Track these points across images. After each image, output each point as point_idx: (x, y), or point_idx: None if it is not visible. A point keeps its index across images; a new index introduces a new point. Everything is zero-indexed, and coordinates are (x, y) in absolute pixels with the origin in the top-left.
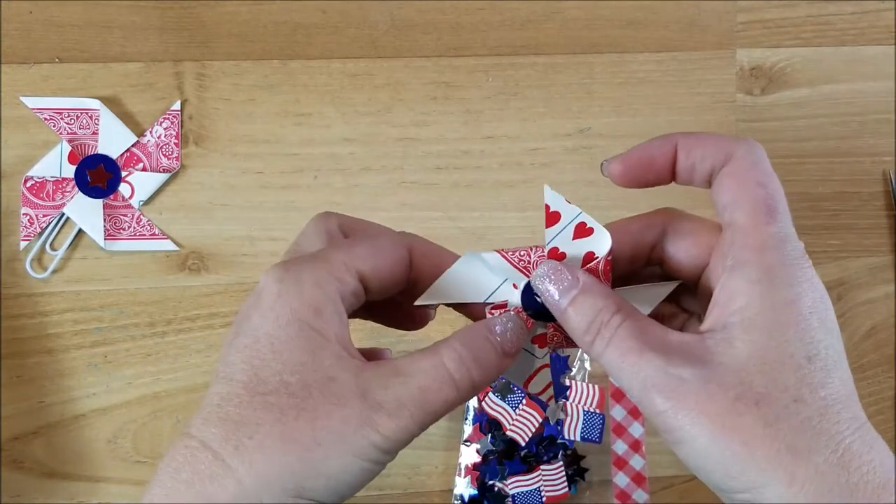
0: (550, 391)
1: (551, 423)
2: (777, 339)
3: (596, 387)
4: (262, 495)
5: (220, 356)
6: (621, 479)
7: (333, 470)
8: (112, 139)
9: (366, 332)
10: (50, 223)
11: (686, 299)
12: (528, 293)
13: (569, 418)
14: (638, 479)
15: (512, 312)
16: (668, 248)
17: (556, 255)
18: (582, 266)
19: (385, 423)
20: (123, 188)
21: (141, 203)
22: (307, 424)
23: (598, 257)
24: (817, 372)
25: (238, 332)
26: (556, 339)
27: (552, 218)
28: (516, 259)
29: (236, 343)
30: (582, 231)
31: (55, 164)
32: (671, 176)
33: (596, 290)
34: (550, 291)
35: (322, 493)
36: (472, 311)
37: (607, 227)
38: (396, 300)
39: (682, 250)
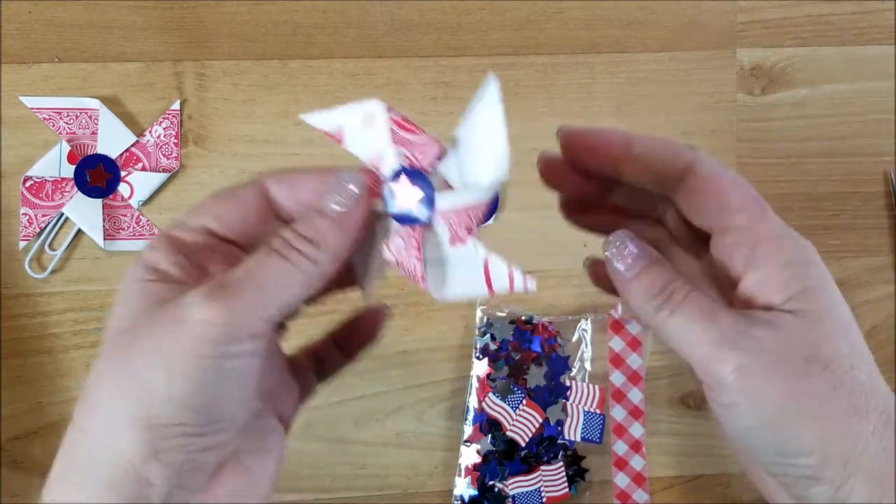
0: (505, 284)
1: (551, 424)
2: (827, 312)
3: (596, 387)
4: (113, 441)
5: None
6: (622, 480)
7: (169, 382)
8: (111, 139)
9: None
10: (49, 223)
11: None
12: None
13: (569, 418)
14: (638, 479)
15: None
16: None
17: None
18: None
19: (200, 312)
20: (123, 188)
21: (140, 203)
22: (134, 355)
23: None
24: (858, 342)
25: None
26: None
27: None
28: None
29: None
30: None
31: (54, 163)
32: (615, 166)
33: (663, 261)
34: (620, 260)
35: (179, 415)
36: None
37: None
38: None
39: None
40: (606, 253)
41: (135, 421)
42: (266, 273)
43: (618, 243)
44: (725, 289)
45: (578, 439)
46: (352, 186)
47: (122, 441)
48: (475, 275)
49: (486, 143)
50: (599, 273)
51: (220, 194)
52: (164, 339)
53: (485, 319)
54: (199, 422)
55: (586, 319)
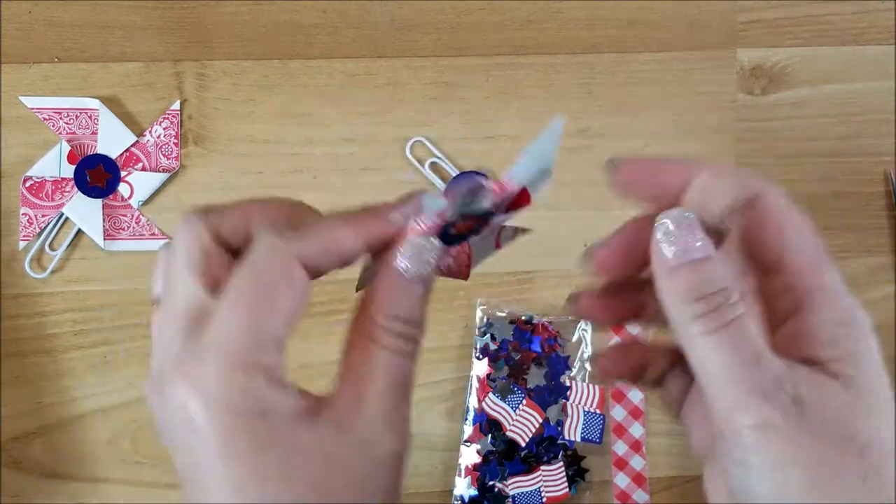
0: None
1: (551, 424)
2: (874, 386)
3: (596, 387)
4: None
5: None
6: (622, 480)
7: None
8: (111, 139)
9: None
10: (49, 223)
11: None
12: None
13: (569, 419)
14: (638, 479)
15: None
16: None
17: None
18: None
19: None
20: (123, 188)
21: (140, 203)
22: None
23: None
24: None
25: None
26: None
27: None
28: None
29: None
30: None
31: (54, 163)
32: (676, 195)
33: (725, 262)
34: (671, 241)
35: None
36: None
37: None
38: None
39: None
40: (657, 229)
41: None
42: (388, 378)
43: (674, 218)
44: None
45: (578, 439)
46: (430, 258)
47: None
48: (488, 241)
49: (537, 157)
50: (584, 305)
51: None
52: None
53: (485, 319)
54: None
55: (586, 319)
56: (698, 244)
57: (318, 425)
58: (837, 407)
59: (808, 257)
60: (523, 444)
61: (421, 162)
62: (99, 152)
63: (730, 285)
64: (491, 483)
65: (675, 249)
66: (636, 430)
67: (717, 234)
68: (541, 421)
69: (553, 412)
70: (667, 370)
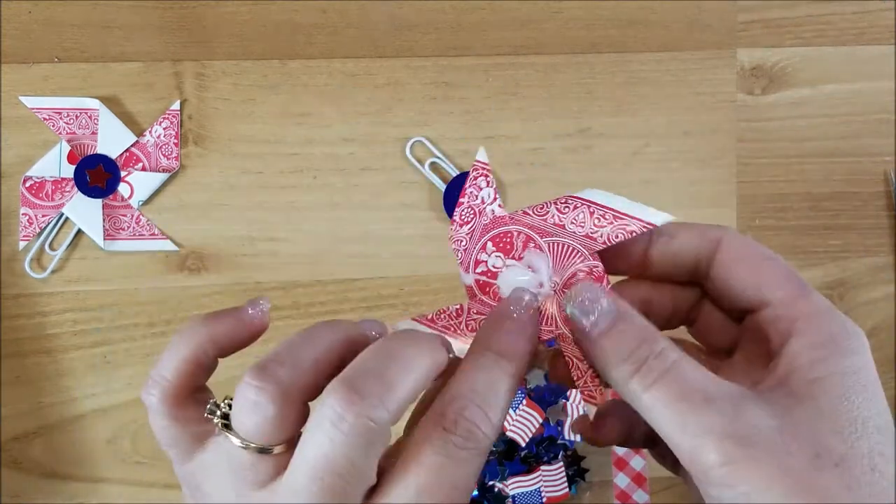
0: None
1: (551, 424)
2: (847, 404)
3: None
4: None
5: None
6: (622, 480)
7: None
8: (111, 139)
9: None
10: (49, 223)
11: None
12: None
13: (569, 418)
14: (638, 479)
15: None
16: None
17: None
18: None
19: None
20: (123, 188)
21: (140, 203)
22: None
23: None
24: (886, 444)
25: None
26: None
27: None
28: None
29: None
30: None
31: (54, 163)
32: (642, 266)
33: (641, 318)
34: (582, 314)
35: None
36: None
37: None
38: None
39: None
40: (568, 306)
41: None
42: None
43: (583, 293)
44: (759, 369)
45: (578, 439)
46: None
47: None
48: None
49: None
50: (559, 365)
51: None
52: None
53: None
54: None
55: None
56: (612, 306)
57: None
58: (804, 427)
59: (785, 288)
60: (523, 444)
61: (421, 162)
62: (99, 152)
63: (652, 337)
64: (491, 483)
65: (592, 318)
66: None
67: (686, 285)
68: (541, 421)
69: (553, 412)
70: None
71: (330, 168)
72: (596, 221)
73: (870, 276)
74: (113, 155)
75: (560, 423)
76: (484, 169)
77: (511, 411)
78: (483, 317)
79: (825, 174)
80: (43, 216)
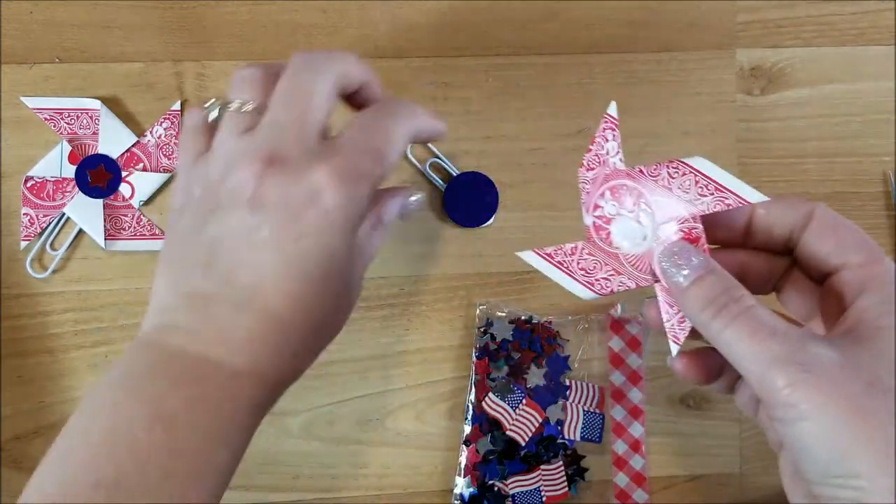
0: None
1: (551, 423)
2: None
3: (596, 387)
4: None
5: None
6: (621, 479)
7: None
8: (112, 139)
9: (379, 321)
10: (50, 223)
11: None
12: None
13: (569, 418)
14: (638, 478)
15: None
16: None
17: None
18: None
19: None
20: (124, 188)
21: (141, 203)
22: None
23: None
24: None
25: (304, 234)
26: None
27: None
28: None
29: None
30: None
31: (55, 164)
32: (744, 236)
33: (724, 272)
34: (675, 269)
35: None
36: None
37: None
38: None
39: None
40: (662, 262)
41: None
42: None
43: (675, 250)
44: (831, 326)
45: (578, 439)
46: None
47: None
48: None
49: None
50: (692, 363)
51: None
52: None
53: (485, 319)
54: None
55: (586, 319)
56: (700, 260)
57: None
58: (864, 362)
59: (861, 253)
60: (523, 444)
61: (421, 162)
62: (100, 152)
63: (733, 286)
64: (491, 482)
65: (681, 273)
66: (636, 429)
67: (780, 253)
68: (540, 420)
69: (553, 412)
70: (738, 377)
71: None
72: (699, 190)
73: None
74: (114, 155)
75: (560, 423)
76: (613, 122)
77: (511, 410)
78: (594, 258)
79: (825, 174)
80: (44, 216)
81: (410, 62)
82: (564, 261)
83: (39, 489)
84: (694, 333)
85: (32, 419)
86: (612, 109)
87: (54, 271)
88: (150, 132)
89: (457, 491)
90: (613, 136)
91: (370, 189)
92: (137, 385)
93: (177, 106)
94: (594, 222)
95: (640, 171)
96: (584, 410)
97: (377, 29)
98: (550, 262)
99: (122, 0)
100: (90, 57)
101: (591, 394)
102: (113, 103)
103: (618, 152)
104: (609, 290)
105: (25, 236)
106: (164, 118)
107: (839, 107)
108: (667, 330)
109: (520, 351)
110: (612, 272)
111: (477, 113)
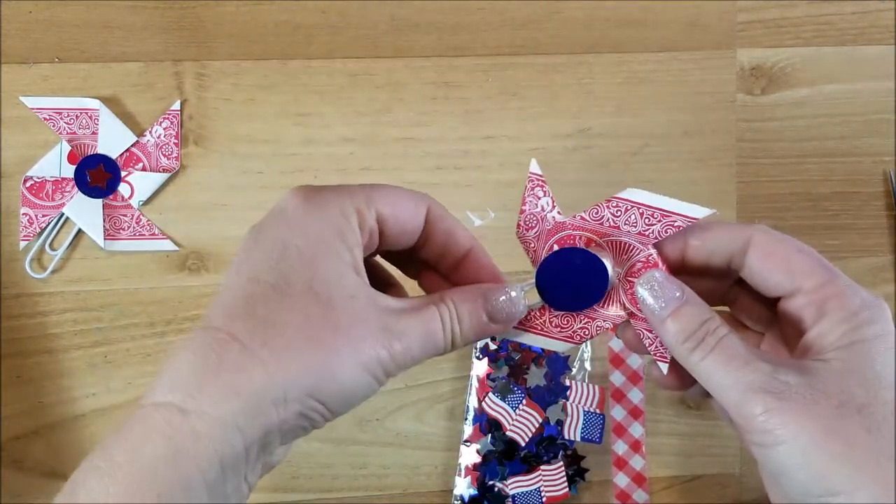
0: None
1: (551, 424)
2: (870, 363)
3: (596, 387)
4: (286, 389)
5: (236, 259)
6: (621, 480)
7: (346, 378)
8: (112, 139)
9: None
10: (49, 223)
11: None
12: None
13: (569, 418)
14: (638, 479)
15: (516, 291)
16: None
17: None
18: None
19: (394, 345)
20: (123, 188)
21: (140, 203)
22: (331, 332)
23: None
24: None
25: (260, 240)
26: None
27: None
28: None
29: (261, 248)
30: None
31: (55, 163)
32: (678, 266)
33: (699, 302)
34: (653, 301)
35: (332, 399)
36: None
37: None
38: (404, 254)
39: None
40: (640, 290)
41: (305, 389)
42: (431, 333)
43: (653, 281)
44: (792, 345)
45: (578, 439)
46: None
47: (290, 395)
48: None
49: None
50: (669, 371)
51: (398, 193)
52: (361, 344)
53: None
54: (336, 409)
55: None
56: (677, 294)
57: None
58: (829, 383)
59: (815, 277)
60: (523, 444)
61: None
62: (99, 152)
63: (709, 317)
64: (491, 483)
65: (661, 303)
66: (636, 429)
67: (724, 275)
68: (540, 421)
69: (553, 412)
70: None
71: (330, 168)
72: (646, 221)
73: (869, 276)
74: (113, 155)
75: (560, 423)
76: (539, 180)
77: (511, 411)
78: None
79: (825, 174)
80: (43, 216)
81: (410, 62)
82: (537, 324)
83: None
84: None
85: (32, 419)
86: (535, 167)
87: (53, 271)
88: (150, 132)
89: (457, 492)
90: (543, 192)
91: None
92: None
93: (176, 106)
94: None
95: (582, 218)
96: (584, 411)
97: (377, 29)
98: (524, 329)
99: (121, 0)
100: (90, 57)
101: (591, 394)
102: (112, 103)
103: (553, 207)
104: (590, 335)
105: (24, 236)
106: (164, 118)
107: (839, 107)
108: (651, 352)
109: (520, 351)
110: (587, 319)
111: (477, 113)
